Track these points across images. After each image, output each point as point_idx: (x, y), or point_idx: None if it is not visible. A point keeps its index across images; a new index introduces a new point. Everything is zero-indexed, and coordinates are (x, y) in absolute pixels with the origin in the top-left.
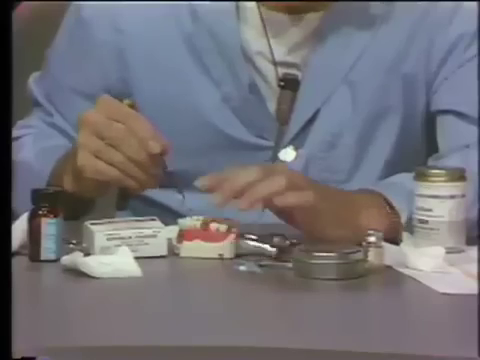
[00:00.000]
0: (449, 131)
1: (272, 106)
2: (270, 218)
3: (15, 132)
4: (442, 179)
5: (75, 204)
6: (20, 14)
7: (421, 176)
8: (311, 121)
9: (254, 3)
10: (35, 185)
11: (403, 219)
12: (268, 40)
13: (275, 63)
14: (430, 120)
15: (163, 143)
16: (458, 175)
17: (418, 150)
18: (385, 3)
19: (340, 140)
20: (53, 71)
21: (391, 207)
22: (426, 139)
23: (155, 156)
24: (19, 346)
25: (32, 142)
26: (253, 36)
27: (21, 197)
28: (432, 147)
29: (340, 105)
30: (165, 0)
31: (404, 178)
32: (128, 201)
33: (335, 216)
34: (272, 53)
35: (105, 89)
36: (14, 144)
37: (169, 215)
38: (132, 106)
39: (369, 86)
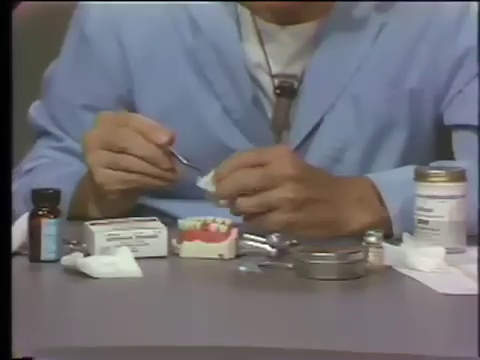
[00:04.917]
0: (467, 146)
1: None
2: None
3: (25, 165)
4: (442, 179)
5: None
6: (20, 14)
7: (421, 176)
8: (313, 134)
9: (249, 15)
10: None
11: (392, 213)
12: (265, 52)
13: (272, 75)
14: (441, 133)
15: (168, 132)
16: (458, 175)
17: (425, 164)
18: (383, 12)
19: (344, 155)
20: (59, 92)
21: (381, 201)
22: (434, 152)
23: (166, 148)
24: (19, 346)
25: (47, 170)
26: (252, 48)
27: None
28: (441, 159)
29: (343, 119)
30: (164, 0)
31: (403, 171)
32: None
33: (317, 219)
34: (269, 65)
35: (116, 101)
36: (26, 177)
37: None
38: None
39: (373, 100)
